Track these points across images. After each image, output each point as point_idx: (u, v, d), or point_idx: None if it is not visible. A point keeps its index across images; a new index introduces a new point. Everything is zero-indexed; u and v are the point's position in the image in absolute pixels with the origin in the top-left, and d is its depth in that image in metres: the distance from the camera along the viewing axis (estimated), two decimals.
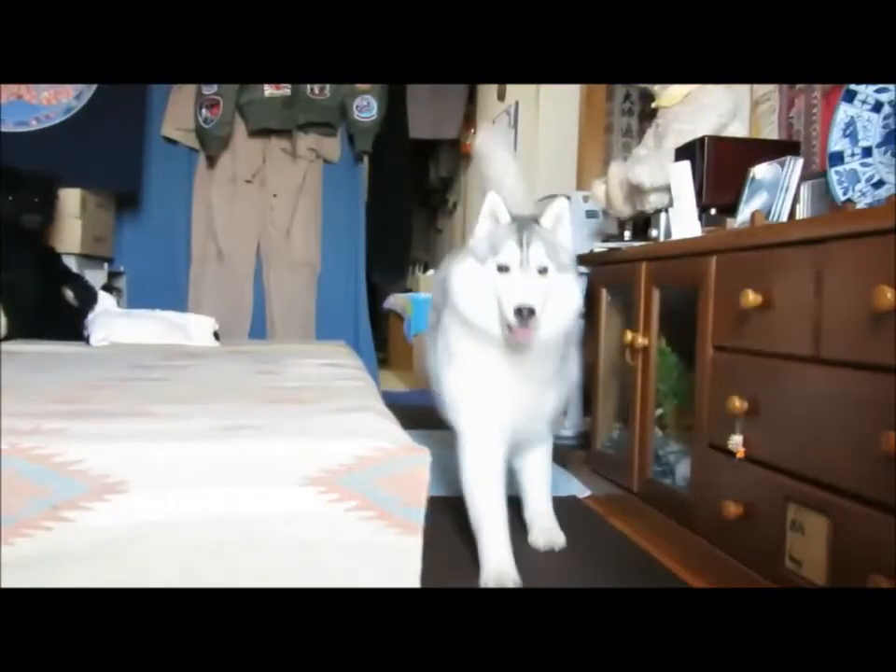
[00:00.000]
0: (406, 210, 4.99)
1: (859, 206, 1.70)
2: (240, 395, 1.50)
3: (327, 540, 1.04)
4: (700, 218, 2.22)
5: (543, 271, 1.67)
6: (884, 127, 1.72)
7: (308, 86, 4.20)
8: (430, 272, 7.37)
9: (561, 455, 2.09)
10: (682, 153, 2.32)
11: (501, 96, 5.50)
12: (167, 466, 1.04)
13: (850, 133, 1.76)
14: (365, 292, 4.47)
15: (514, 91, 5.12)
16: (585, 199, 3.10)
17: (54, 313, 3.05)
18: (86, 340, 2.84)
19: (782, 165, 2.01)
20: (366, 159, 4.51)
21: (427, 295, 4.95)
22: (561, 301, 1.71)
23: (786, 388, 1.54)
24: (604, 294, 2.54)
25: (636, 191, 2.49)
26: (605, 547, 2.03)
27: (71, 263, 3.42)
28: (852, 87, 1.76)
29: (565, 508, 2.09)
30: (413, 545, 1.05)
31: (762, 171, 2.09)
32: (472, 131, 6.49)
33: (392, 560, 1.05)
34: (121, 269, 4.10)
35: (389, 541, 1.04)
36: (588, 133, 3.86)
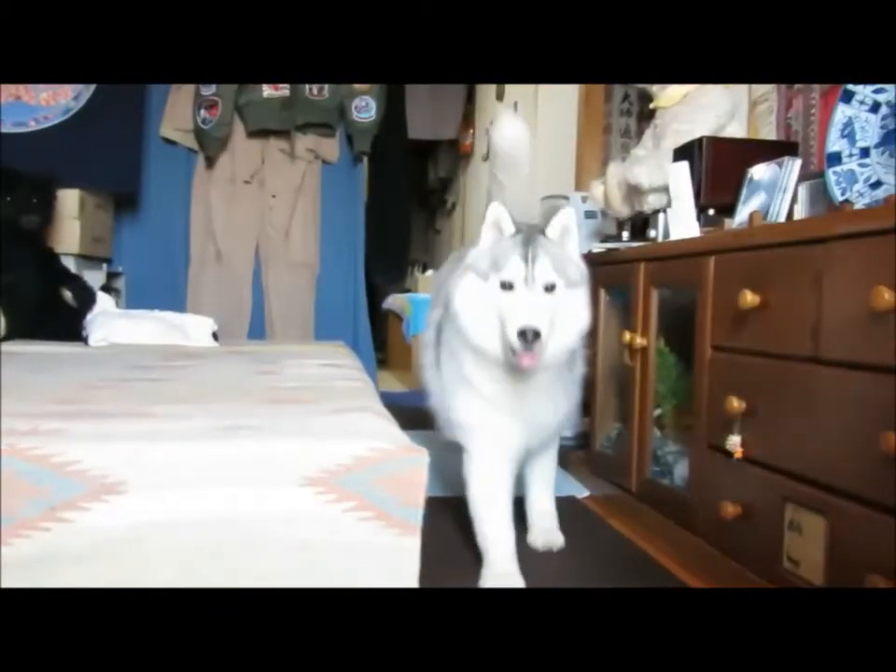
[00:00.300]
0: (406, 210, 4.99)
1: (857, 207, 1.70)
2: (239, 395, 1.50)
3: (325, 541, 1.04)
4: (698, 219, 2.22)
5: (550, 288, 1.57)
6: (882, 128, 1.72)
7: (307, 87, 4.21)
8: (429, 272, 7.37)
9: (560, 456, 2.08)
10: (681, 154, 2.32)
11: (500, 97, 5.51)
12: (166, 466, 1.04)
13: (848, 133, 1.76)
14: (364, 293, 4.47)
15: (513, 91, 5.12)
16: (584, 199, 3.10)
17: (53, 313, 3.05)
18: (84, 340, 2.84)
19: (780, 166, 2.01)
20: (365, 159, 4.51)
21: (425, 295, 4.95)
22: (569, 319, 1.61)
23: (784, 389, 1.55)
24: (602, 294, 2.54)
25: (634, 192, 2.49)
26: (603, 547, 2.04)
27: (70, 264, 3.42)
28: (850, 87, 1.76)
29: (563, 508, 2.09)
30: (412, 545, 1.05)
31: (760, 171, 2.09)
32: (471, 131, 6.49)
33: (391, 560, 1.05)
34: (120, 269, 4.10)
35: (388, 542, 1.04)
36: (587, 134, 3.86)
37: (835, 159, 1.78)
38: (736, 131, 2.46)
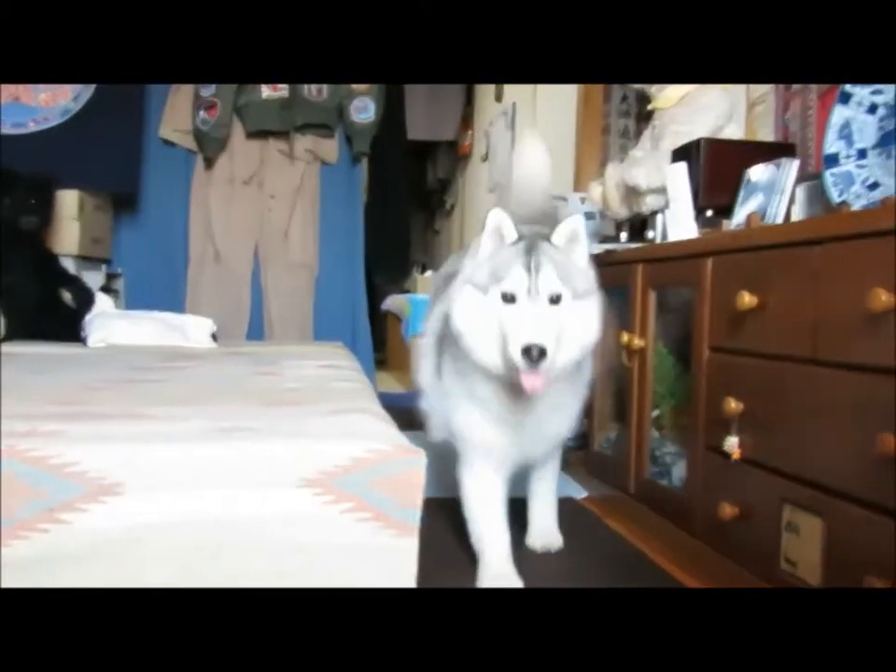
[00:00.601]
0: (406, 211, 5.00)
1: (854, 208, 1.70)
2: (237, 396, 1.50)
3: (323, 542, 1.04)
4: (696, 220, 2.22)
5: (556, 299, 1.47)
6: (879, 129, 1.72)
7: (306, 88, 4.21)
8: (428, 273, 7.37)
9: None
10: (679, 155, 2.32)
11: (499, 97, 5.51)
12: (163, 468, 1.04)
13: (845, 134, 1.77)
14: (364, 293, 4.47)
15: (512, 92, 5.12)
16: (582, 200, 3.10)
17: (52, 314, 3.05)
18: (83, 341, 2.84)
19: (778, 167, 2.01)
20: (364, 160, 4.51)
21: (424, 296, 4.95)
22: (576, 332, 1.51)
23: (782, 390, 1.55)
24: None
25: (632, 193, 2.49)
26: (601, 547, 2.04)
27: (69, 265, 3.42)
28: (847, 89, 1.77)
29: (562, 509, 2.09)
30: (409, 546, 1.06)
31: (757, 172, 2.09)
32: (470, 132, 6.49)
33: (388, 561, 1.05)
34: (119, 270, 4.11)
35: (385, 543, 1.04)
36: (585, 135, 3.87)
37: (833, 160, 1.78)
38: (734, 132, 2.46)
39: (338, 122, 4.31)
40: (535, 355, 1.38)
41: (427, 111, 6.33)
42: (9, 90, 3.60)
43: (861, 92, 1.74)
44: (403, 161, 4.76)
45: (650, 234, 2.47)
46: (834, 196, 1.76)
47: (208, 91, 4.13)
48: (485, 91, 6.00)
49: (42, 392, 1.51)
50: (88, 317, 3.03)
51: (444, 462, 1.80)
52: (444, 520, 2.02)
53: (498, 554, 1.70)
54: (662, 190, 2.35)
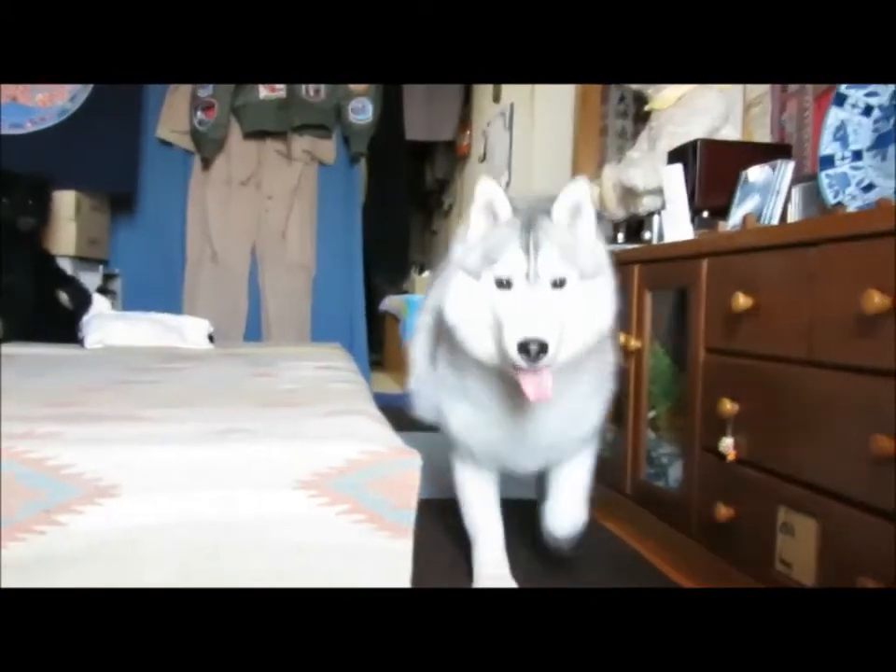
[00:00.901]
0: (405, 211, 5.01)
1: (849, 210, 1.71)
2: (233, 398, 1.50)
3: (319, 543, 1.05)
4: (693, 221, 2.22)
5: (559, 283, 1.30)
6: (874, 131, 1.73)
7: (303, 88, 4.22)
8: (426, 273, 7.38)
9: None
10: (675, 156, 2.32)
11: (496, 98, 5.51)
12: (159, 469, 1.04)
13: (841, 136, 1.77)
14: (361, 294, 4.48)
15: (509, 93, 5.12)
16: None
17: (49, 315, 3.05)
18: (80, 342, 2.84)
19: (774, 168, 2.02)
20: (362, 161, 4.52)
21: (422, 297, 4.95)
22: (586, 317, 1.33)
23: (777, 391, 1.55)
24: None
25: (629, 194, 2.50)
26: (597, 548, 2.04)
27: (66, 265, 3.42)
28: (843, 91, 1.77)
29: None
30: (404, 548, 1.06)
31: (754, 173, 2.10)
32: (468, 132, 6.50)
33: (383, 562, 1.05)
34: (116, 271, 4.11)
35: (380, 544, 1.05)
36: (583, 136, 3.87)
37: (828, 162, 1.79)
38: (731, 133, 2.47)
39: (335, 123, 4.31)
40: (534, 351, 1.21)
41: (424, 112, 6.33)
42: (7, 90, 3.60)
43: (856, 94, 1.75)
44: (402, 162, 4.77)
45: (646, 235, 2.48)
46: (830, 198, 1.77)
47: (205, 91, 4.14)
48: (483, 92, 6.00)
49: (39, 393, 1.51)
50: (85, 318, 3.02)
51: (440, 463, 1.80)
52: (440, 521, 2.02)
53: (492, 554, 1.67)
54: (658, 191, 2.36)
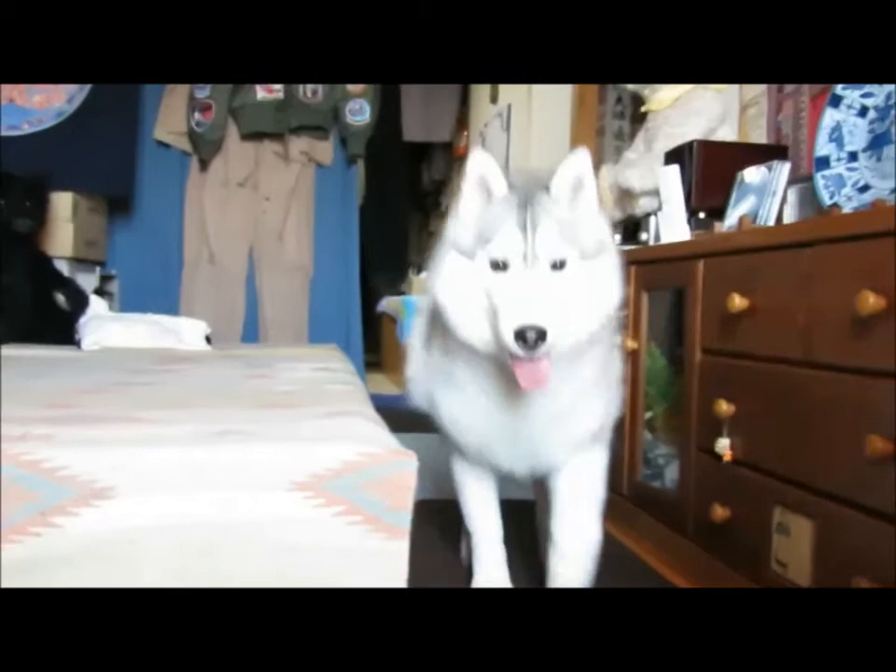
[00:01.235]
0: (404, 212, 5.01)
1: (844, 210, 1.71)
2: (230, 400, 1.50)
3: (314, 545, 1.05)
4: (689, 222, 2.23)
5: (559, 265, 1.20)
6: (869, 132, 1.74)
7: (300, 90, 4.22)
8: (423, 274, 7.38)
9: None
10: (672, 157, 2.33)
11: (494, 99, 5.51)
12: (155, 471, 1.04)
13: (836, 137, 1.78)
14: (358, 295, 4.48)
15: (506, 93, 5.13)
16: None
17: (46, 317, 3.05)
18: (77, 344, 2.84)
19: (770, 169, 2.02)
20: (360, 162, 4.52)
21: (420, 297, 4.95)
22: (590, 299, 1.23)
23: (772, 392, 1.55)
24: None
25: (626, 195, 2.50)
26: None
27: (63, 267, 3.42)
28: (838, 92, 1.78)
29: None
30: (400, 549, 1.06)
31: (750, 174, 2.10)
32: (465, 133, 6.50)
33: (379, 564, 1.05)
34: (113, 272, 4.11)
35: (376, 546, 1.05)
36: (580, 136, 3.87)
37: (824, 163, 1.79)
38: (727, 134, 2.48)
39: (333, 124, 4.32)
40: (531, 339, 1.12)
41: (422, 113, 6.33)
42: (4, 91, 3.61)
43: (852, 95, 1.75)
44: (400, 164, 4.78)
45: (643, 236, 2.48)
46: (825, 198, 1.77)
47: (203, 92, 4.14)
48: (480, 93, 6.00)
49: (36, 395, 1.51)
50: (82, 320, 3.02)
51: (436, 464, 1.80)
52: (437, 522, 2.02)
53: (491, 554, 1.63)
54: (655, 193, 2.37)
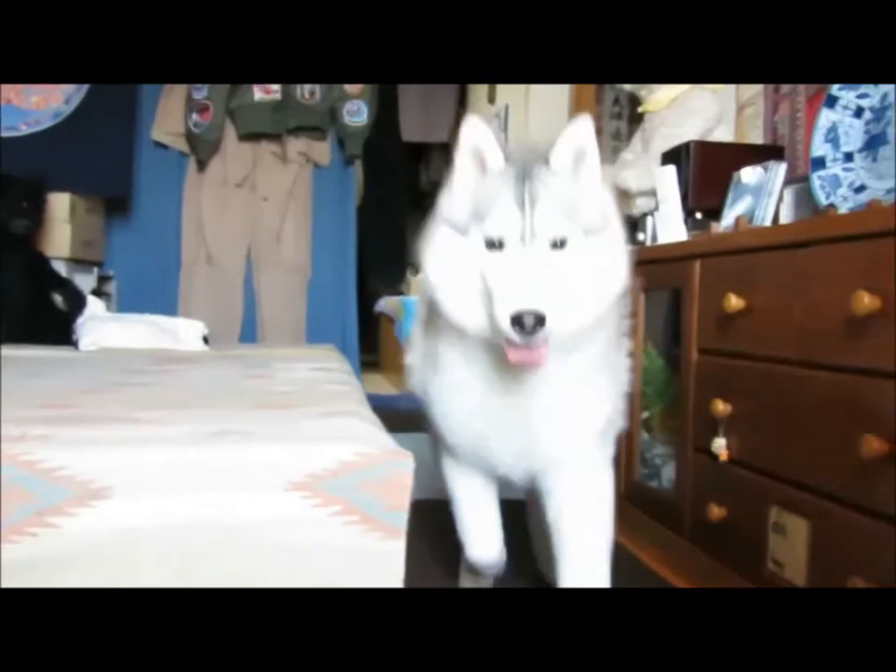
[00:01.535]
0: (401, 213, 5.01)
1: (840, 211, 1.72)
2: (227, 400, 1.50)
3: (310, 544, 1.05)
4: (686, 222, 2.23)
5: (560, 243, 1.10)
6: (865, 132, 1.74)
7: (298, 90, 4.23)
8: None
9: None
10: (669, 157, 2.33)
11: (491, 99, 5.51)
12: (152, 471, 1.04)
13: (832, 138, 1.78)
14: (354, 295, 4.49)
15: (504, 94, 5.13)
16: None
17: (43, 317, 3.05)
18: (75, 344, 2.84)
19: (766, 170, 2.03)
20: (357, 162, 4.52)
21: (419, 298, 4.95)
22: (593, 279, 1.13)
23: (769, 392, 1.56)
24: None
25: (623, 195, 2.50)
26: None
27: (60, 268, 3.42)
28: (834, 92, 1.78)
29: None
30: (396, 549, 1.06)
31: (746, 175, 2.11)
32: None
33: (375, 563, 1.05)
34: (111, 273, 4.11)
35: (372, 545, 1.05)
36: None
37: (819, 163, 1.80)
38: (724, 134, 2.48)
39: (330, 125, 4.32)
40: (529, 324, 1.03)
41: (420, 113, 6.33)
42: (2, 92, 3.60)
43: (848, 96, 1.76)
44: (398, 164, 4.78)
45: (640, 237, 2.49)
46: (821, 199, 1.78)
47: (200, 93, 4.14)
48: (478, 94, 6.00)
49: (34, 396, 1.51)
50: (79, 320, 3.02)
51: (434, 464, 1.80)
52: (434, 522, 2.02)
53: (480, 549, 1.48)
54: (652, 193, 2.37)
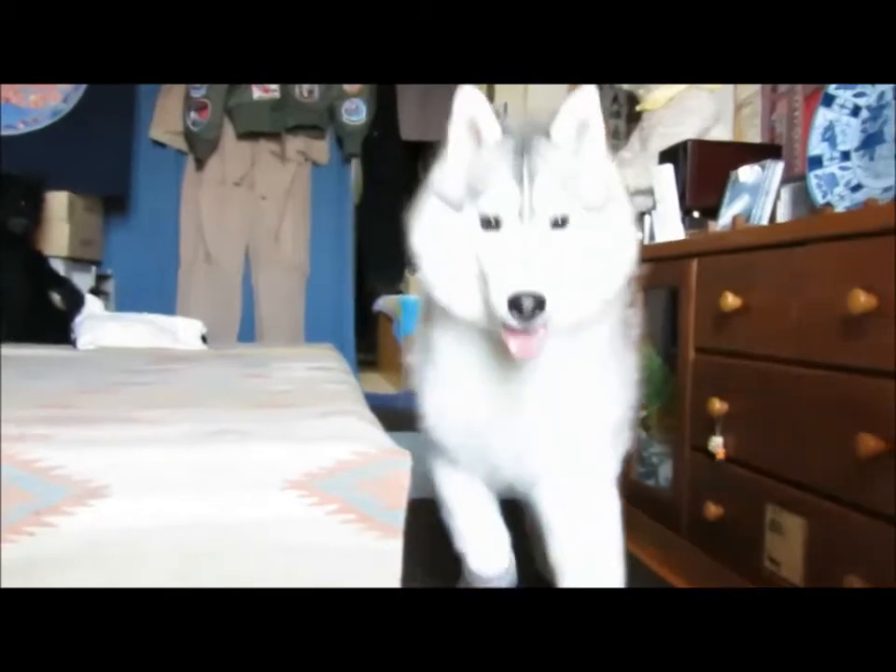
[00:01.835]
0: (400, 212, 5.00)
1: (837, 210, 1.72)
2: (226, 399, 1.50)
3: (308, 543, 1.05)
4: (683, 221, 2.23)
5: (561, 222, 1.03)
6: (862, 131, 1.74)
7: (296, 89, 4.22)
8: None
9: None
10: (666, 156, 2.33)
11: (490, 99, 5.51)
12: (149, 470, 1.04)
13: (829, 137, 1.78)
14: (351, 294, 4.49)
15: (503, 93, 5.13)
16: None
17: (41, 316, 3.05)
18: (73, 343, 2.84)
19: (763, 168, 2.03)
20: (354, 161, 4.52)
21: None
22: (596, 261, 1.05)
23: (765, 390, 1.56)
24: None
25: None
26: None
27: (58, 267, 3.42)
28: (831, 91, 1.78)
29: None
30: (394, 548, 1.06)
31: (744, 173, 2.11)
32: None
33: (373, 562, 1.06)
34: (109, 272, 4.10)
35: (370, 544, 1.05)
36: None
37: (816, 162, 1.80)
38: (722, 133, 2.48)
39: (329, 124, 4.32)
40: (528, 308, 0.96)
41: (419, 112, 6.32)
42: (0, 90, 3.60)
43: (845, 95, 1.76)
44: (396, 163, 4.78)
45: (638, 236, 2.49)
46: (818, 198, 1.78)
47: (199, 92, 4.14)
48: None
49: (32, 395, 1.51)
50: (78, 319, 3.02)
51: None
52: (431, 521, 2.02)
53: (482, 561, 1.38)
54: (649, 192, 2.37)
